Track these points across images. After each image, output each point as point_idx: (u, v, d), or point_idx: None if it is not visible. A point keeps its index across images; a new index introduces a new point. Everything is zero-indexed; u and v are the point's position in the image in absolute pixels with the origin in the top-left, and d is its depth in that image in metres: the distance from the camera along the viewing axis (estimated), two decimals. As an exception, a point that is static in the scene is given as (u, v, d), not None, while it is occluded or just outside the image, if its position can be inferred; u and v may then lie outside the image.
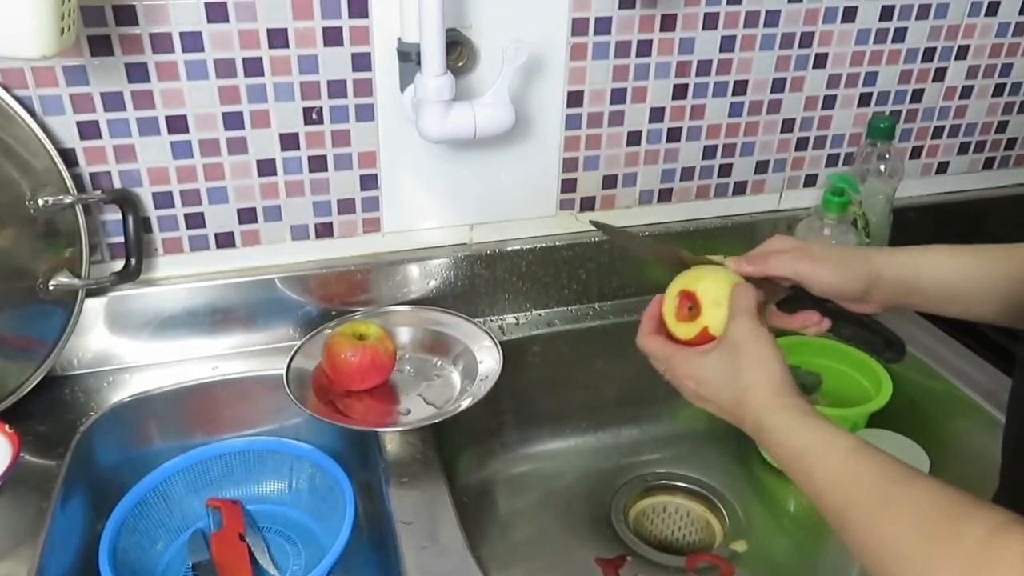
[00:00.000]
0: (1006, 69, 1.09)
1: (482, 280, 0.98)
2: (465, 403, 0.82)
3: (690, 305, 0.63)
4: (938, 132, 1.11)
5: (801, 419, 0.54)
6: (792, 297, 0.65)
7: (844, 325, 0.65)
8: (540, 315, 1.01)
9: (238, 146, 0.85)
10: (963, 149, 1.14)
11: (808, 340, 0.98)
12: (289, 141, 0.86)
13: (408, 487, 0.77)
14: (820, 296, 0.64)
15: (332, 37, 0.82)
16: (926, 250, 0.65)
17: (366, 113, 0.87)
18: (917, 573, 0.43)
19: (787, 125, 1.03)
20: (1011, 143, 1.16)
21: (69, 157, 0.80)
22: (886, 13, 0.99)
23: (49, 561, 0.69)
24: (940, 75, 1.07)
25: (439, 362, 0.92)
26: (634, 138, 0.98)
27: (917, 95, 1.07)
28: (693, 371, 0.60)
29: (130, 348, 0.89)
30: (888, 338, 0.64)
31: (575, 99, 0.93)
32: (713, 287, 0.62)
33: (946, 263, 0.64)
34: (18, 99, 0.77)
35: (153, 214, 0.86)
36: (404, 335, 0.93)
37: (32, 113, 0.77)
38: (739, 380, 0.57)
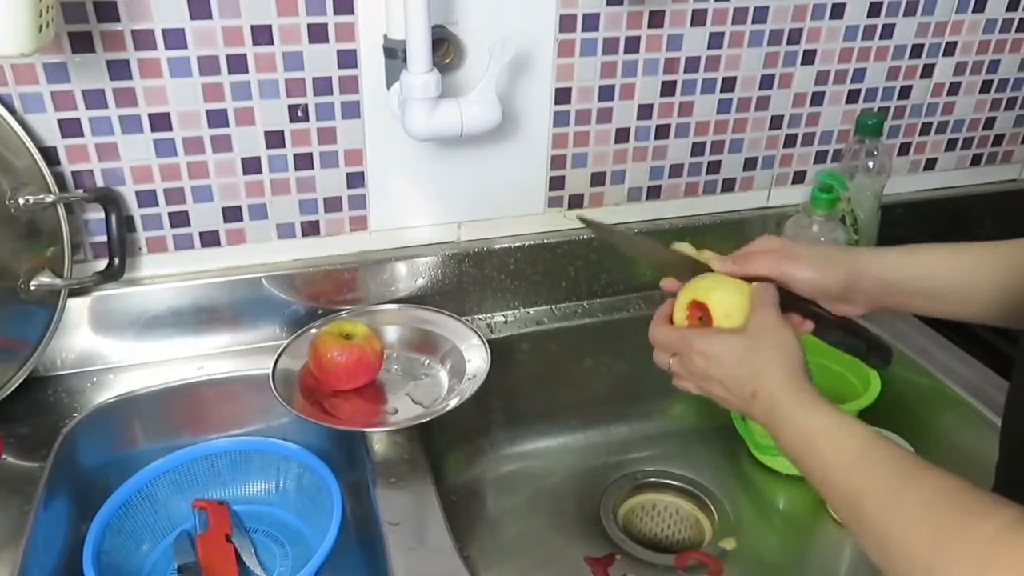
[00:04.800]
0: (994, 65, 1.09)
1: (470, 278, 0.97)
2: (453, 402, 0.82)
3: (700, 315, 0.64)
4: (926, 129, 1.12)
5: (819, 404, 0.54)
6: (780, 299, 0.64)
7: (828, 330, 0.64)
8: (528, 313, 1.01)
9: (223, 144, 0.84)
10: (951, 146, 1.14)
11: (797, 337, 0.98)
12: (274, 139, 0.85)
13: (395, 487, 0.76)
14: (801, 295, 0.64)
15: (317, 34, 0.82)
16: (914, 249, 0.65)
17: (352, 110, 0.86)
18: (928, 564, 0.43)
19: (775, 122, 1.03)
20: (999, 139, 1.17)
21: (50, 155, 0.79)
22: (874, 9, 0.99)
23: (32, 565, 0.68)
24: (928, 72, 1.07)
25: (427, 361, 0.91)
26: (622, 135, 0.97)
27: (905, 92, 1.07)
28: (707, 347, 0.61)
29: (114, 348, 0.88)
30: (872, 343, 0.64)
31: (563, 96, 0.93)
32: (725, 299, 0.62)
33: (934, 262, 0.63)
34: (-2, 97, 0.76)
35: (137, 213, 0.85)
36: (391, 334, 0.92)
37: (12, 111, 0.76)
38: (757, 358, 0.58)
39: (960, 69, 1.08)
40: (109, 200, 0.81)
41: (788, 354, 0.57)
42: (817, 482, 0.52)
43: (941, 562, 0.42)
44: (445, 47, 0.85)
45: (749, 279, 0.64)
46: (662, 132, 0.99)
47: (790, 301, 0.64)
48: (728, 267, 0.64)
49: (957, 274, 0.63)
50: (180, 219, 0.87)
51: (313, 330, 0.89)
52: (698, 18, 0.93)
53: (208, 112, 0.82)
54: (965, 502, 0.43)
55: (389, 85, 0.85)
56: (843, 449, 0.51)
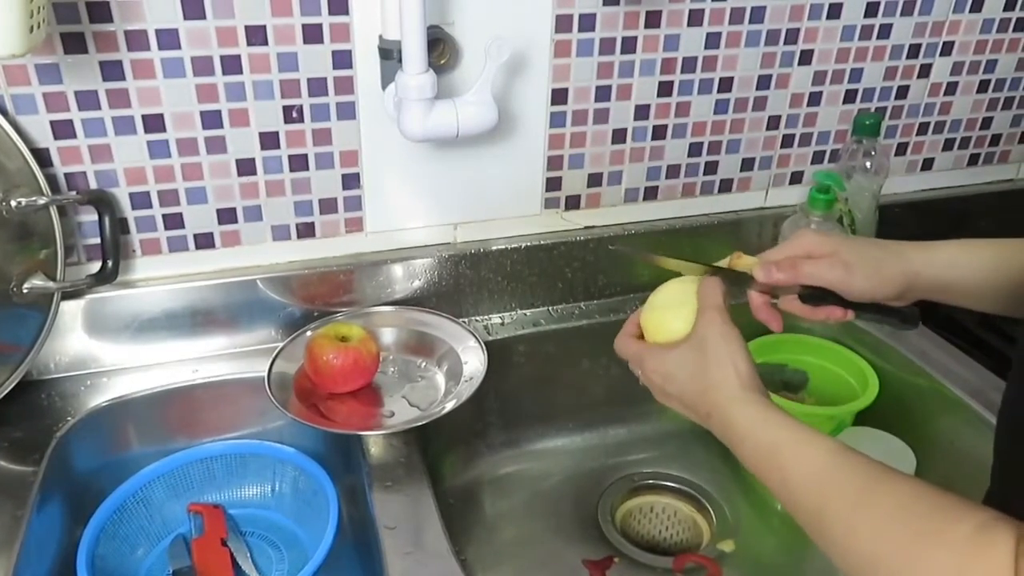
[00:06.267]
0: (991, 65, 1.09)
1: (467, 280, 0.97)
2: (450, 405, 0.82)
3: None
4: (923, 129, 1.11)
5: (773, 415, 0.53)
6: (816, 293, 0.64)
7: (863, 310, 0.65)
8: (525, 315, 1.01)
9: (217, 145, 0.84)
10: (948, 146, 1.14)
11: (795, 338, 0.98)
12: (269, 140, 0.85)
13: (392, 491, 0.76)
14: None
15: (312, 34, 0.81)
16: (962, 245, 0.64)
17: (347, 111, 0.86)
18: (903, 570, 0.42)
19: (773, 122, 1.03)
20: (995, 139, 1.16)
21: (43, 157, 0.79)
22: (871, 9, 0.99)
23: (25, 570, 0.68)
24: (925, 72, 1.06)
25: (423, 363, 0.91)
26: (619, 136, 0.97)
27: (902, 92, 1.07)
28: (659, 366, 0.60)
29: (108, 351, 0.87)
30: (904, 315, 0.65)
31: (559, 97, 0.92)
32: (653, 317, 0.63)
33: (981, 258, 0.63)
34: (-11, 98, 0.75)
35: (130, 215, 0.84)
36: (387, 336, 0.92)
37: (4, 112, 0.76)
38: (706, 373, 0.56)
39: (957, 69, 1.08)
40: (102, 202, 0.81)
41: (737, 365, 0.56)
42: (781, 496, 0.50)
43: (919, 567, 0.41)
44: (441, 48, 0.84)
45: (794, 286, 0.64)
46: (659, 133, 0.98)
47: (830, 294, 0.64)
48: (773, 275, 0.62)
49: (1001, 270, 0.62)
50: (174, 221, 0.86)
51: (309, 332, 0.88)
52: (695, 18, 0.92)
53: (202, 113, 0.82)
54: (937, 507, 0.43)
55: (384, 86, 0.84)
56: (806, 461, 0.49)
